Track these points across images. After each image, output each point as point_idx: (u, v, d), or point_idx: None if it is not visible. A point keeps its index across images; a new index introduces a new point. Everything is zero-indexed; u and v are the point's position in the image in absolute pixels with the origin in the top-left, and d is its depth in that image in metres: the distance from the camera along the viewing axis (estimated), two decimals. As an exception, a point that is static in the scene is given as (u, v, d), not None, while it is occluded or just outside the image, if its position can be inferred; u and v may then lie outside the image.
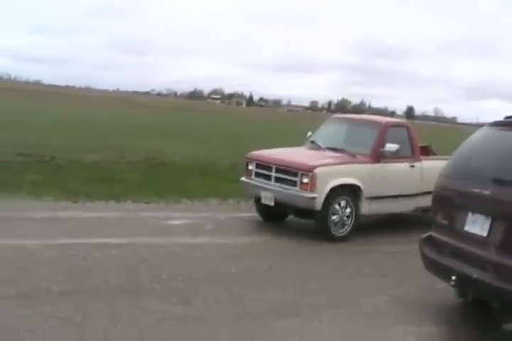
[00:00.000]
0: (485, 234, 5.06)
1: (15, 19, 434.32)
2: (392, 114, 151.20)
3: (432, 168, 8.61)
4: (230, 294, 5.90)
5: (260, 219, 9.80)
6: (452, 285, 5.36)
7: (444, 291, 6.23)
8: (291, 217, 9.80)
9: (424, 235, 6.00)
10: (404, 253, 8.02)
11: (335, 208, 8.68)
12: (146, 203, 10.28)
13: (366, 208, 9.05)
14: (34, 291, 5.45)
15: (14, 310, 4.97)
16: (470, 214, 5.28)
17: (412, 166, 9.62)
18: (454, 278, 5.14)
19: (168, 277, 6.24)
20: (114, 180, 12.09)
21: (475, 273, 4.94)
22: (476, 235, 5.14)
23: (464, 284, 5.18)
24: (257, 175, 9.35)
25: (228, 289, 6.05)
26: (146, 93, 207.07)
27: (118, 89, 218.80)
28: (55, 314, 4.95)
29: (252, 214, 10.06)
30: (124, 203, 10.14)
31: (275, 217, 9.75)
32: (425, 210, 9.70)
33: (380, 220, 10.29)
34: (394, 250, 8.51)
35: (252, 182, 9.42)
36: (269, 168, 9.09)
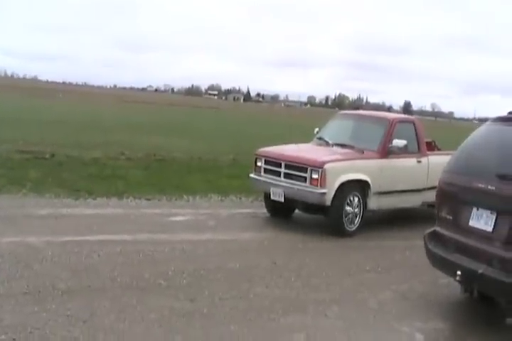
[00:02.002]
0: (490, 229, 5.07)
1: (12, 16, 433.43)
2: (389, 109, 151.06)
3: (438, 163, 8.66)
4: (236, 290, 5.90)
5: (267, 214, 9.84)
6: (457, 281, 5.37)
7: (449, 286, 6.26)
8: (295, 213, 9.85)
9: (429, 230, 6.01)
10: (408, 248, 8.08)
11: (347, 203, 8.74)
12: (148, 200, 10.27)
13: (374, 203, 9.13)
14: (40, 289, 5.45)
15: (21, 307, 4.98)
16: (475, 210, 5.29)
17: (419, 161, 9.75)
18: (459, 273, 5.16)
19: (173, 273, 6.25)
20: (115, 177, 12.08)
21: (480, 268, 4.94)
22: (481, 230, 5.15)
23: (469, 279, 5.19)
24: (266, 171, 9.40)
25: (233, 285, 6.06)
26: (143, 89, 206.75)
27: (115, 86, 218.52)
28: (61, 311, 4.95)
29: (254, 210, 10.11)
30: (125, 200, 10.12)
31: (283, 212, 9.80)
32: (431, 205, 9.76)
33: (384, 215, 10.30)
34: (398, 245, 8.53)
35: (261, 178, 9.47)
36: (279, 165, 9.14)
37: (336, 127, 10.46)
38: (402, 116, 12.49)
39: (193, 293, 5.69)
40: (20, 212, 8.56)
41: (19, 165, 12.45)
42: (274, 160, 9.26)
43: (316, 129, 10.62)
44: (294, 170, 8.89)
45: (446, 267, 5.56)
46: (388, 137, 9.37)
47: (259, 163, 9.54)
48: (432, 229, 5.97)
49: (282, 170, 9.06)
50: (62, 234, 7.50)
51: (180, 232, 8.23)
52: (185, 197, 10.79)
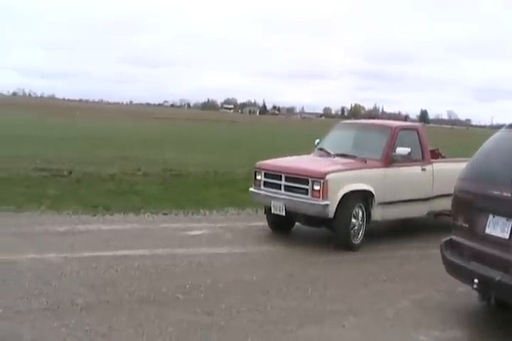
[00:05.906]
0: (506, 237, 5.05)
1: (27, 35, 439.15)
2: (406, 118, 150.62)
3: (443, 170, 8.46)
4: (252, 303, 5.92)
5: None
6: (474, 289, 5.34)
7: (466, 295, 6.23)
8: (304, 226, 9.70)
9: (445, 239, 5.98)
10: (421, 257, 8.02)
11: (352, 215, 8.46)
12: (165, 214, 10.33)
13: (379, 214, 8.82)
14: (59, 304, 5.50)
15: (41, 323, 5.04)
16: (491, 217, 5.28)
17: (424, 169, 9.36)
18: (476, 281, 5.13)
19: (191, 287, 6.28)
20: (132, 192, 12.18)
21: (497, 276, 4.93)
22: (498, 237, 5.14)
23: (486, 287, 5.16)
24: (266, 184, 9.13)
25: (250, 298, 6.08)
26: (160, 105, 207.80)
27: (131, 102, 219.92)
28: (80, 326, 5.00)
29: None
30: (142, 215, 10.17)
31: (284, 226, 9.55)
32: (437, 214, 9.57)
33: (390, 226, 10.18)
34: (411, 255, 8.45)
35: (261, 192, 9.18)
36: (279, 177, 8.86)
37: (337, 137, 10.21)
38: (405, 123, 12.25)
39: (210, 307, 5.71)
40: (39, 229, 8.66)
41: (37, 182, 12.60)
42: (274, 173, 8.99)
43: (317, 140, 10.36)
44: (295, 182, 8.61)
45: (464, 275, 5.54)
46: (391, 145, 9.08)
47: (258, 177, 9.24)
48: (449, 237, 5.95)
49: (282, 182, 8.79)
50: (80, 250, 7.58)
51: (197, 246, 8.27)
52: (201, 211, 10.82)
